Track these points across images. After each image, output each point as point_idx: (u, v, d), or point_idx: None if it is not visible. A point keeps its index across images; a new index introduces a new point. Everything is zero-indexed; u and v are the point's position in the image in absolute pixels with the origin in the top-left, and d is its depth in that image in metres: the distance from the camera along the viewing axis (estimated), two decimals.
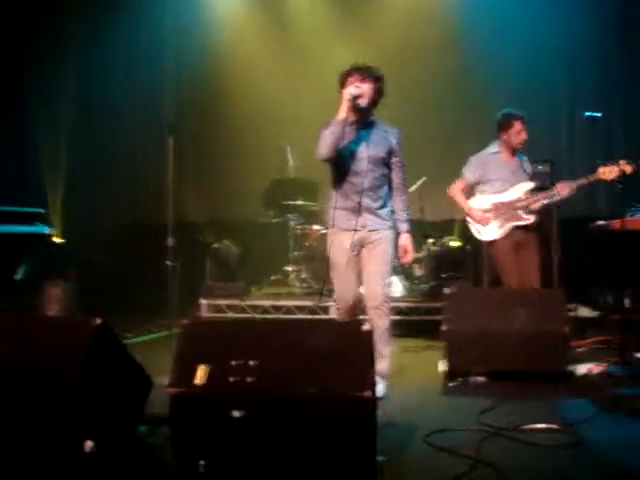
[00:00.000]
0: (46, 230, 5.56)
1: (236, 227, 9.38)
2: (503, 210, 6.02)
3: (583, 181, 5.86)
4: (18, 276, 5.48)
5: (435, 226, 8.71)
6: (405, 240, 4.90)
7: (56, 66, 9.89)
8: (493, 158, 6.11)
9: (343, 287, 4.83)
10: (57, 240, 8.84)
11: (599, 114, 5.78)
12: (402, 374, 5.42)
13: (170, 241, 5.52)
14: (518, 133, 5.99)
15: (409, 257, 4.95)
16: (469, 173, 6.16)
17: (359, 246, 4.76)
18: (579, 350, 6.00)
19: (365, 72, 4.72)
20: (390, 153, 4.80)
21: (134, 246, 9.64)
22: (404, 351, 6.35)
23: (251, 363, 3.25)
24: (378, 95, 4.76)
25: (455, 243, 8.03)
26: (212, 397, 3.24)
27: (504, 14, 9.01)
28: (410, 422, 4.14)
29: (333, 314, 7.46)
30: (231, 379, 3.23)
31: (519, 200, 6.00)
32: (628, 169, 5.61)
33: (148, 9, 10.04)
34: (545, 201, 5.96)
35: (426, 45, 9.35)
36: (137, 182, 10.48)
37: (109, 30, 10.02)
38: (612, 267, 6.18)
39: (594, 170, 5.78)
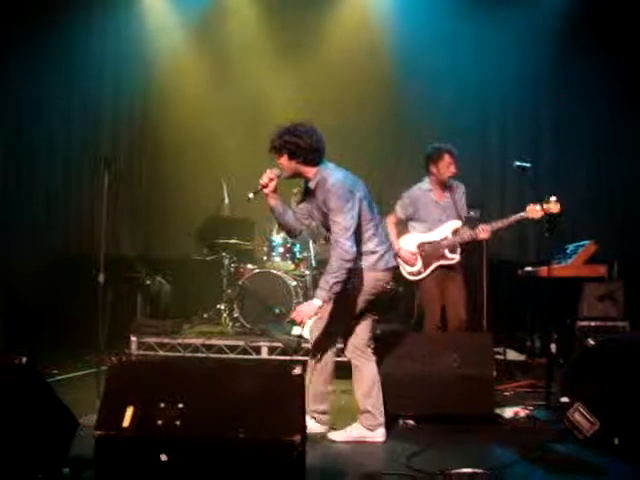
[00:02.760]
0: None
1: (169, 263, 9.28)
2: (429, 250, 6.14)
3: (504, 222, 6.05)
4: None
5: None
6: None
7: None
8: (424, 196, 6.20)
9: None
10: None
11: (528, 164, 5.93)
12: (333, 416, 5.41)
13: (101, 277, 5.44)
14: (448, 166, 6.07)
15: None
16: (401, 210, 6.26)
17: None
18: (506, 393, 6.09)
19: (272, 149, 4.59)
20: (323, 209, 4.56)
21: (64, 279, 9.43)
22: (338, 392, 6.34)
23: (180, 405, 3.22)
24: (299, 158, 4.52)
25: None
26: (139, 440, 3.19)
27: (440, 58, 9.21)
28: (338, 465, 4.14)
29: (264, 354, 7.43)
30: (159, 422, 3.20)
31: (445, 239, 6.12)
32: (555, 208, 5.80)
33: (87, 39, 9.93)
34: (463, 238, 6.10)
35: (365, 79, 9.46)
36: (70, 213, 10.29)
37: (45, 59, 9.87)
38: (540, 312, 6.32)
39: (523, 208, 5.99)
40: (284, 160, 4.54)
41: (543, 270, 6.17)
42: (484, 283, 7.64)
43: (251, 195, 4.58)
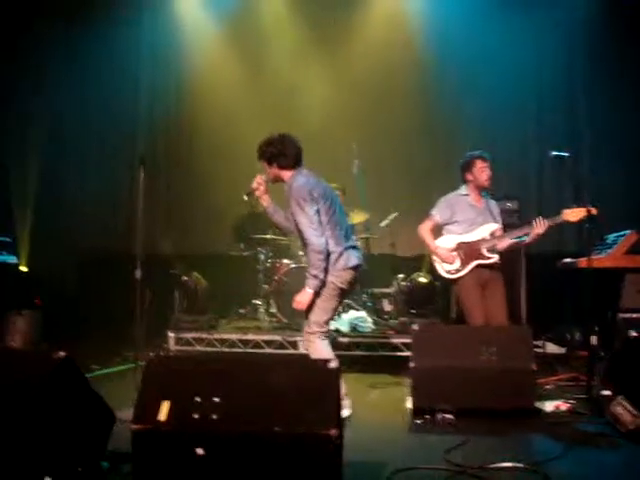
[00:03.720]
0: (12, 259, 5.48)
1: (206, 259, 9.33)
2: (467, 249, 6.12)
3: (549, 223, 5.96)
4: None
5: (405, 261, 8.75)
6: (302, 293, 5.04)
7: (27, 95, 9.84)
8: (461, 200, 6.24)
9: None
10: (23, 269, 8.74)
11: (566, 154, 5.86)
12: (369, 410, 5.40)
13: (138, 273, 5.47)
14: (481, 171, 6.12)
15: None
16: (437, 214, 6.26)
17: None
18: (546, 387, 6.01)
19: (258, 149, 5.21)
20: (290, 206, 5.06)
21: (103, 276, 9.54)
22: (372, 387, 6.32)
23: (216, 400, 3.22)
24: (276, 164, 5.12)
25: (424, 279, 8.06)
26: (175, 434, 3.20)
27: (473, 54, 9.17)
28: (376, 460, 4.11)
29: (301, 349, 7.43)
30: (195, 416, 3.20)
31: (484, 240, 6.11)
32: (592, 211, 5.71)
33: (124, 40, 10.04)
34: (512, 241, 6.08)
35: (398, 84, 9.47)
36: (107, 212, 10.42)
37: (83, 60, 10.00)
38: (579, 304, 6.21)
39: (559, 212, 5.90)
40: (266, 166, 5.19)
41: (583, 261, 6.07)
42: (522, 275, 7.57)
43: (245, 197, 5.29)
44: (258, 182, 5.23)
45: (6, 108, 9.73)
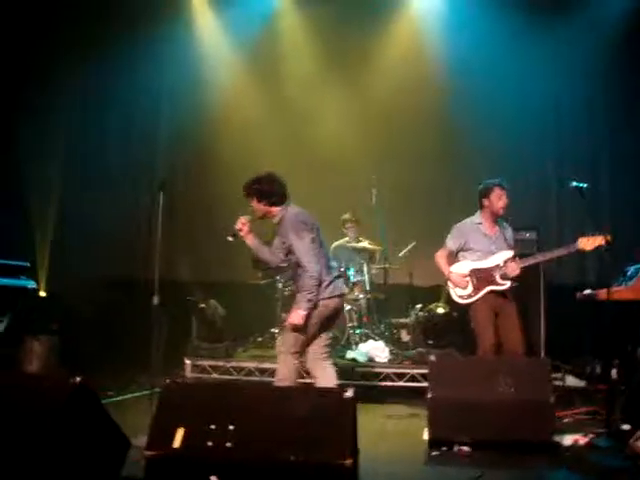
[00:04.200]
0: (31, 284, 5.52)
1: (223, 287, 9.33)
2: (481, 275, 6.15)
3: (562, 251, 6.02)
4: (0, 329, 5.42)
5: (423, 292, 8.70)
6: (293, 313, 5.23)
7: (48, 119, 9.94)
8: (475, 228, 6.29)
9: None
10: (41, 294, 8.78)
11: (585, 184, 5.84)
12: (386, 441, 5.35)
13: (155, 299, 5.48)
14: (499, 198, 6.16)
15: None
16: (451, 242, 6.33)
17: None
18: (565, 420, 5.93)
19: (245, 188, 5.42)
20: (285, 243, 5.36)
21: (120, 302, 9.56)
22: (388, 418, 6.27)
23: (230, 428, 3.21)
24: (265, 201, 5.35)
25: (442, 309, 8.02)
26: (190, 461, 3.18)
27: (493, 81, 9.16)
28: None
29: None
30: (210, 443, 3.18)
31: (497, 267, 6.12)
32: (607, 239, 5.71)
33: (144, 66, 10.14)
34: (507, 270, 6.09)
35: (415, 113, 9.47)
36: (126, 238, 10.46)
37: (103, 85, 10.12)
38: (599, 336, 6.17)
39: (575, 240, 5.89)
40: (255, 203, 5.39)
41: (602, 293, 6.01)
42: (541, 306, 7.52)
43: (230, 238, 5.42)
44: (242, 222, 5.40)
45: (26, 135, 9.84)
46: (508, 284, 6.11)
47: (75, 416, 3.31)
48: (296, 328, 5.18)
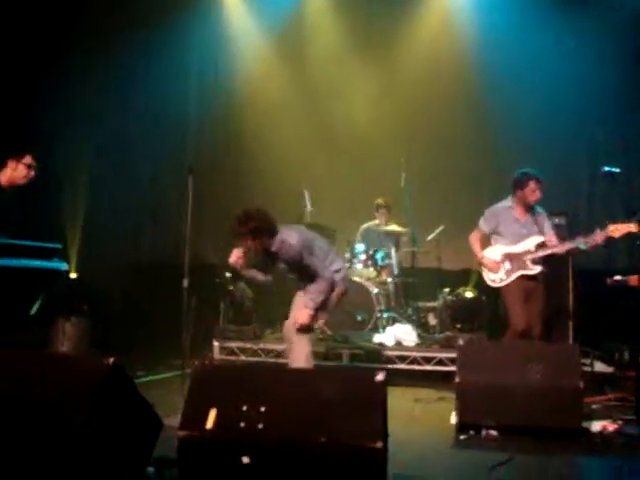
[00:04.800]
0: (63, 266, 5.57)
1: None
2: (512, 260, 6.29)
3: (594, 237, 6.00)
4: (32, 311, 5.48)
5: (451, 275, 8.69)
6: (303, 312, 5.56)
7: (78, 103, 10.00)
8: (506, 212, 6.43)
9: None
10: (72, 276, 8.88)
11: (618, 169, 5.80)
12: (413, 425, 5.37)
13: (185, 282, 5.53)
14: (533, 192, 6.28)
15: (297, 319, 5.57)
16: (484, 225, 6.52)
17: None
18: (593, 406, 5.90)
19: (238, 231, 5.34)
20: (298, 261, 5.51)
21: (150, 284, 9.66)
22: (416, 401, 6.28)
23: (262, 409, 3.24)
24: (262, 237, 5.37)
25: (470, 293, 8.00)
26: (222, 442, 3.22)
27: (524, 66, 9.10)
28: (420, 474, 4.10)
29: (345, 361, 7.43)
30: (242, 424, 3.22)
31: (528, 252, 6.24)
32: (636, 228, 5.68)
33: (172, 52, 10.18)
34: (538, 255, 6.19)
35: (445, 95, 9.43)
36: (156, 220, 10.56)
37: (132, 69, 10.15)
38: (629, 322, 6.12)
39: (603, 227, 5.90)
40: (250, 243, 5.36)
41: (634, 279, 5.97)
42: (570, 292, 7.47)
43: (228, 274, 5.77)
44: (237, 256, 5.47)
45: (58, 121, 9.91)
46: (539, 269, 6.24)
47: (110, 396, 3.36)
48: (306, 326, 5.54)
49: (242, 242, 5.38)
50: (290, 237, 5.48)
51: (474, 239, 6.52)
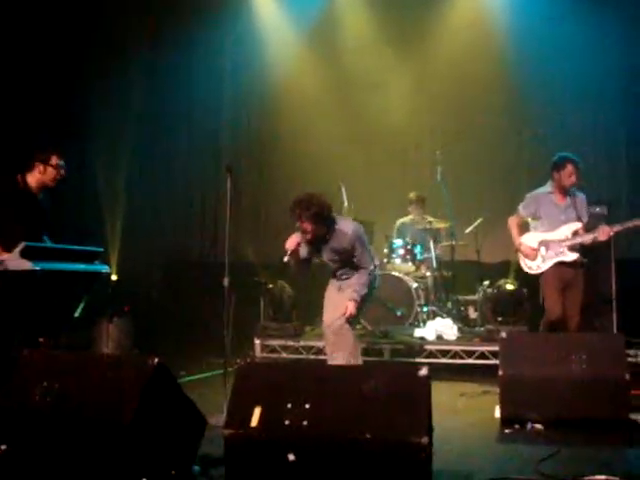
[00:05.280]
0: (105, 269, 5.65)
1: (291, 267, 9.36)
2: (549, 247, 6.25)
3: (628, 225, 6.03)
4: (76, 314, 5.57)
5: (491, 268, 8.63)
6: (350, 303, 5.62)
7: (113, 103, 10.12)
8: (546, 197, 6.38)
9: None
10: (114, 278, 8.99)
11: None
12: (457, 419, 5.34)
13: (226, 281, 5.55)
14: (569, 175, 6.21)
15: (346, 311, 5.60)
16: (523, 209, 6.48)
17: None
18: None
19: (299, 215, 5.40)
20: (347, 252, 5.63)
21: (189, 283, 9.74)
22: (460, 395, 6.25)
23: (307, 406, 3.25)
24: (321, 223, 5.45)
25: (511, 286, 7.93)
26: (268, 439, 3.24)
27: (558, 54, 8.98)
28: (466, 469, 4.07)
29: (386, 356, 7.42)
30: (287, 422, 3.23)
31: (565, 239, 6.21)
32: None
33: (207, 53, 10.26)
34: (583, 240, 6.15)
35: (479, 87, 9.36)
36: (194, 221, 10.64)
37: (168, 73, 10.25)
38: None
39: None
40: (309, 226, 5.42)
41: None
42: (613, 282, 7.38)
43: (286, 259, 5.61)
44: (295, 241, 5.57)
45: (95, 125, 10.04)
46: (576, 256, 6.18)
47: (156, 396, 3.40)
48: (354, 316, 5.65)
49: (302, 225, 5.44)
50: (346, 226, 5.60)
51: (513, 223, 6.49)
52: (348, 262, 5.72)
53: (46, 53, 8.93)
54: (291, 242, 5.56)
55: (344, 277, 5.82)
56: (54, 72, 9.07)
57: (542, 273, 6.29)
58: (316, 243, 5.65)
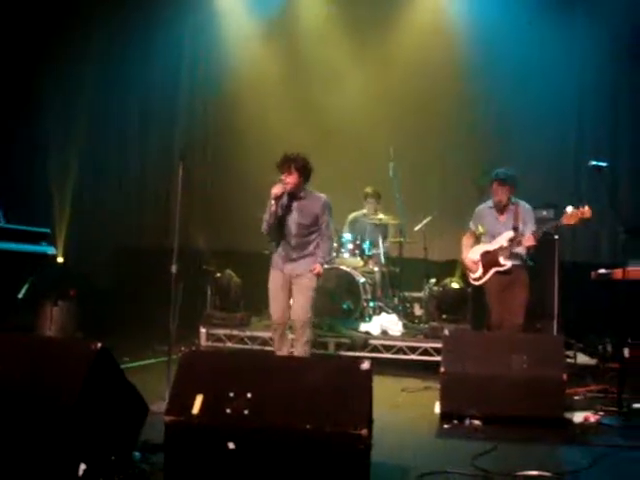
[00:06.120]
0: (51, 250, 5.58)
1: (239, 257, 9.36)
2: (488, 258, 6.50)
3: (548, 226, 6.37)
4: (20, 295, 5.49)
5: (437, 266, 8.72)
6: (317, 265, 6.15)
7: (69, 94, 9.99)
8: (488, 211, 6.64)
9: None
10: (60, 260, 8.88)
11: (605, 163, 5.85)
12: (397, 414, 5.42)
13: (174, 268, 5.53)
14: (495, 192, 6.48)
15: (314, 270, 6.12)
16: (472, 224, 6.74)
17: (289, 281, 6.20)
18: (576, 398, 5.97)
19: (288, 166, 5.94)
20: (316, 218, 6.14)
21: (137, 269, 9.66)
22: (401, 390, 6.33)
23: (248, 395, 3.27)
24: (304, 178, 6.06)
25: (456, 285, 8.04)
26: (208, 427, 3.25)
27: (515, 60, 9.11)
28: (404, 462, 4.14)
29: (331, 349, 7.47)
30: (228, 410, 3.25)
31: (501, 248, 6.42)
32: (587, 214, 5.88)
33: (166, 40, 10.18)
34: (516, 248, 6.37)
35: (436, 87, 9.43)
36: (144, 206, 10.55)
37: (124, 58, 10.14)
38: (613, 315, 6.18)
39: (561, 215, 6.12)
40: (295, 178, 5.98)
41: (618, 272, 6.02)
42: (555, 285, 7.54)
43: (273, 201, 5.98)
44: (281, 189, 6.00)
45: (47, 106, 9.89)
46: (509, 264, 6.39)
47: (98, 380, 3.39)
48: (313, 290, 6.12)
49: (287, 177, 5.94)
50: (320, 194, 6.19)
51: (464, 241, 6.74)
52: (311, 231, 6.15)
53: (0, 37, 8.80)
54: (277, 189, 5.95)
55: (297, 255, 6.15)
56: (8, 55, 8.93)
57: (483, 283, 6.56)
58: (292, 197, 6.07)
